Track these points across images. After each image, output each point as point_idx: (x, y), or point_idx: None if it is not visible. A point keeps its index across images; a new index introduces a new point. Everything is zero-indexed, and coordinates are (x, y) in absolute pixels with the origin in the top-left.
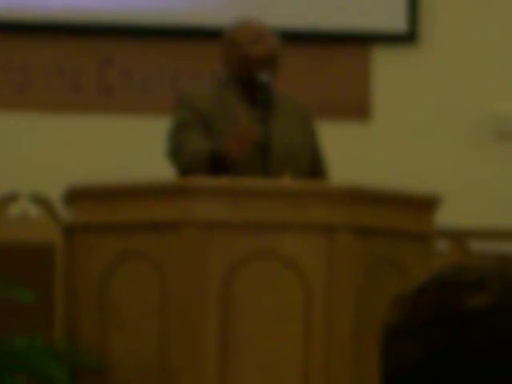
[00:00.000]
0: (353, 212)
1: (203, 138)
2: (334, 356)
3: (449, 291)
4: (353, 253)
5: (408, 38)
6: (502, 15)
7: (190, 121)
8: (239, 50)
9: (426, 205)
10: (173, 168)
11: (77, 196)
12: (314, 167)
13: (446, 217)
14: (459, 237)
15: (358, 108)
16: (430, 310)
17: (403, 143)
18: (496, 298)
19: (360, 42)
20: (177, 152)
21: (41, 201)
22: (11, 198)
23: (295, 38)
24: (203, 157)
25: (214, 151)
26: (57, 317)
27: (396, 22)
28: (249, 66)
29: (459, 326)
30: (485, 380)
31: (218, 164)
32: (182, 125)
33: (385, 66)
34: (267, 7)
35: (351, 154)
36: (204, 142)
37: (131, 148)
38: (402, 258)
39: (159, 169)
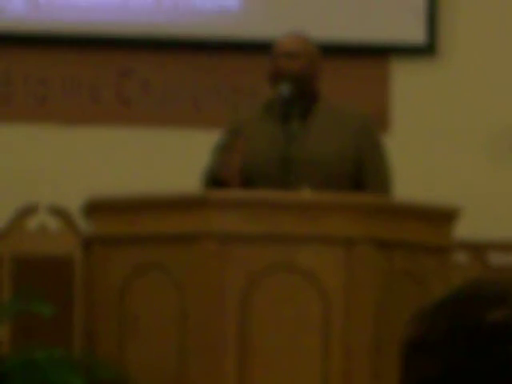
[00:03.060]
0: (372, 225)
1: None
2: (353, 369)
3: (469, 305)
4: (372, 265)
5: (427, 49)
6: None
7: (226, 143)
8: (270, 65)
9: (444, 217)
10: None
11: (96, 208)
12: (362, 180)
13: (464, 229)
14: (478, 249)
15: (377, 120)
16: (450, 324)
17: (422, 155)
18: None
19: (379, 53)
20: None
21: (60, 213)
22: (30, 210)
23: None
24: (209, 181)
25: (214, 177)
26: (76, 329)
27: (415, 33)
28: (272, 82)
29: (479, 340)
30: None
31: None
32: (217, 147)
33: (404, 77)
34: (287, 20)
35: None
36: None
37: (150, 160)
38: (420, 271)
39: (178, 181)
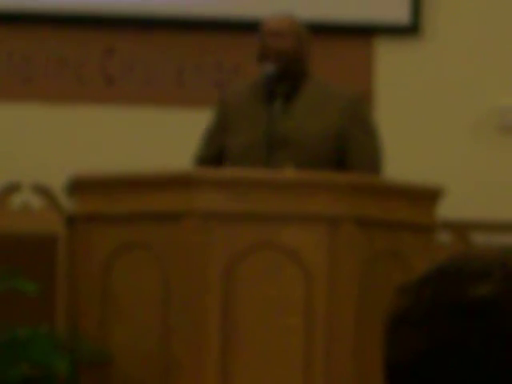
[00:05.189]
0: (355, 204)
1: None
2: (336, 347)
3: (452, 281)
4: (355, 244)
5: (411, 29)
6: (505, 7)
7: (214, 128)
8: (258, 44)
9: (428, 197)
10: None
11: (79, 186)
12: (346, 159)
13: (448, 209)
14: (461, 229)
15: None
16: (433, 299)
17: (406, 135)
18: (499, 288)
19: (363, 33)
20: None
21: (43, 191)
22: (14, 189)
23: None
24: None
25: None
26: (59, 307)
27: (399, 13)
28: (261, 61)
29: (462, 315)
30: (488, 370)
31: None
32: (206, 132)
33: (388, 57)
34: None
35: None
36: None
37: (133, 139)
38: (404, 250)
39: (161, 160)
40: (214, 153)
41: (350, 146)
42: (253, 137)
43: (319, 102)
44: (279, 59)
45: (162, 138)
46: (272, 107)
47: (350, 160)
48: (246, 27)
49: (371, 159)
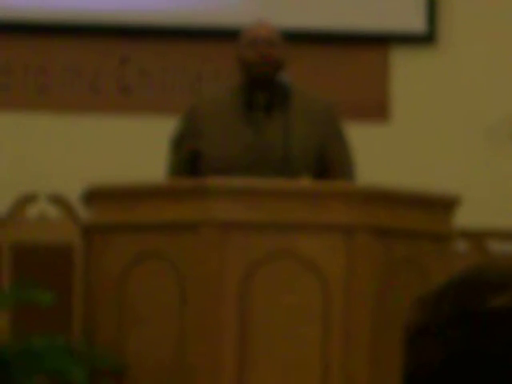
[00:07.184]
0: (371, 213)
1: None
2: (353, 357)
3: (471, 291)
4: (372, 253)
5: (427, 38)
6: None
7: (184, 134)
8: (239, 51)
9: (445, 205)
10: None
11: (95, 196)
12: (325, 168)
13: (465, 217)
14: (478, 237)
15: (376, 109)
16: (453, 309)
17: (422, 144)
18: None
19: (379, 42)
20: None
21: (59, 201)
22: (30, 199)
23: (314, 39)
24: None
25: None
26: (75, 317)
27: (415, 22)
28: (244, 69)
29: (481, 326)
30: (506, 381)
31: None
32: (175, 139)
33: (404, 66)
34: (286, 8)
35: (370, 155)
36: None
37: (150, 148)
38: (421, 259)
39: None
40: (185, 158)
41: (327, 155)
42: (235, 147)
43: (299, 113)
44: (274, 67)
45: None
46: (254, 118)
47: (328, 169)
48: None
49: (347, 168)
